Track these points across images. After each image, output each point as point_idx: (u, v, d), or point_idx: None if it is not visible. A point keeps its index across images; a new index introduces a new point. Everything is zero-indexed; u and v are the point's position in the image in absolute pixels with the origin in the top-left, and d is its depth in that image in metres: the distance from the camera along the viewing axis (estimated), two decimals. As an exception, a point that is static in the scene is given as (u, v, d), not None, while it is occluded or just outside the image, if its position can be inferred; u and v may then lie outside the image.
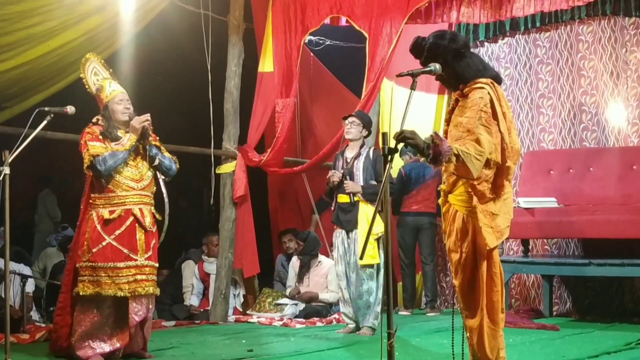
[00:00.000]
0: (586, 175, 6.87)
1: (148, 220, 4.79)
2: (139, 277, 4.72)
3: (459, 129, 3.48)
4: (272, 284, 7.85)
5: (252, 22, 7.50)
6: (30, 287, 6.49)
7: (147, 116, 4.81)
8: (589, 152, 7.08)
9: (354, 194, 5.93)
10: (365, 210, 5.87)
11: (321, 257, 7.36)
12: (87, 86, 4.95)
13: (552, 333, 5.82)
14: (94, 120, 4.86)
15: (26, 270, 6.55)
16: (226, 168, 7.12)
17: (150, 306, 4.86)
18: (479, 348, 3.52)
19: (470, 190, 3.47)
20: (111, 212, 4.71)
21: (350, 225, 5.94)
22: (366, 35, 6.93)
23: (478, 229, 3.46)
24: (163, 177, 4.96)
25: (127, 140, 4.75)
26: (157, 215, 4.91)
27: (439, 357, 4.83)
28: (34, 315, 6.55)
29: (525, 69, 7.59)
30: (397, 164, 7.57)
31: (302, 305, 7.14)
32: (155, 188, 4.93)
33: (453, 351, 3.58)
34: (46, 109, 4.50)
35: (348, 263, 5.98)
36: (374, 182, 5.93)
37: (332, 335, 5.95)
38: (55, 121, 4.53)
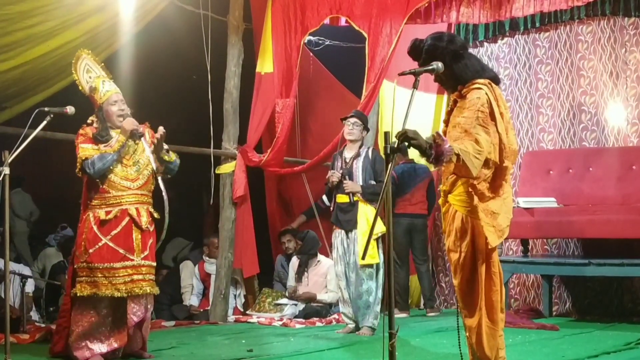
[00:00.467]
0: (586, 175, 6.87)
1: (144, 220, 4.78)
2: (135, 277, 4.72)
3: (457, 129, 3.49)
4: (272, 284, 7.85)
5: (251, 22, 7.50)
6: (30, 287, 6.49)
7: (162, 130, 4.76)
8: (588, 152, 7.08)
9: (354, 194, 5.93)
10: (365, 210, 5.87)
11: (320, 257, 7.36)
12: (80, 87, 4.91)
13: (551, 333, 5.82)
14: (89, 121, 4.85)
15: (26, 270, 6.55)
16: (226, 168, 7.12)
17: (149, 306, 4.86)
18: (478, 347, 3.53)
19: (470, 190, 3.48)
20: (107, 213, 4.71)
21: (349, 226, 5.94)
22: (366, 35, 6.93)
23: (478, 228, 3.48)
24: (161, 175, 4.93)
25: (116, 141, 4.74)
26: (155, 214, 4.90)
27: (439, 357, 4.84)
28: (34, 315, 6.55)
29: (525, 69, 7.60)
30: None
31: (301, 306, 7.14)
32: (153, 186, 4.92)
33: (460, 351, 3.59)
34: (46, 109, 4.50)
35: (347, 263, 5.99)
36: (373, 182, 5.94)
37: (332, 335, 5.95)
38: (55, 121, 4.53)
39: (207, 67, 6.95)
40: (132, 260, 4.72)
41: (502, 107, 3.51)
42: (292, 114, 7.30)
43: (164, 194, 4.79)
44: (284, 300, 7.30)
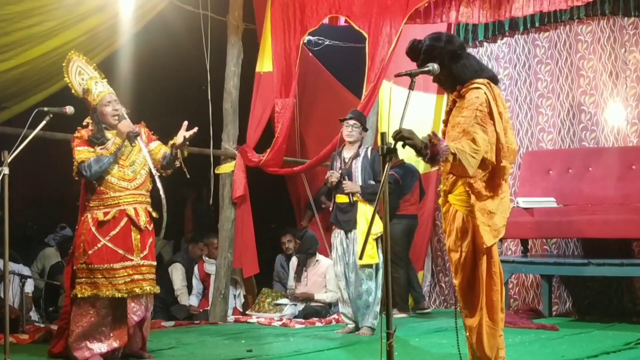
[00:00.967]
0: (585, 175, 6.87)
1: (143, 220, 4.78)
2: (135, 277, 4.72)
3: (456, 129, 3.49)
4: (272, 284, 7.85)
5: (251, 22, 7.49)
6: (29, 287, 6.49)
7: (194, 130, 4.84)
8: (588, 152, 7.08)
9: (353, 194, 5.93)
10: (364, 211, 5.87)
11: (319, 257, 7.36)
12: (73, 90, 4.90)
13: (551, 333, 5.82)
14: (84, 123, 4.84)
15: (25, 270, 6.55)
16: (225, 168, 7.11)
17: (150, 305, 4.87)
18: (478, 347, 3.53)
19: (468, 189, 3.49)
20: (105, 214, 4.71)
21: (349, 226, 5.94)
22: (365, 35, 6.93)
23: (477, 227, 3.47)
24: (158, 174, 4.91)
25: (112, 144, 4.74)
26: (153, 214, 4.90)
27: (438, 357, 4.84)
28: (33, 315, 6.55)
29: (525, 69, 7.60)
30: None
31: (301, 306, 7.14)
32: (151, 186, 4.92)
33: (459, 351, 3.59)
34: (45, 109, 4.49)
35: (347, 263, 5.98)
36: (372, 182, 5.93)
37: (332, 335, 5.95)
38: (54, 121, 4.52)
39: (207, 67, 6.95)
40: (132, 260, 4.72)
41: (500, 107, 3.51)
42: (292, 113, 7.30)
43: (161, 193, 4.78)
44: (283, 301, 7.30)
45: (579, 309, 7.00)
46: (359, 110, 6.44)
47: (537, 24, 7.42)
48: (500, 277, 3.54)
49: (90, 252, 4.67)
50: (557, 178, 7.00)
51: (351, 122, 6.02)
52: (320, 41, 8.34)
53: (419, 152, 3.18)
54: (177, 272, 7.56)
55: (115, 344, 4.74)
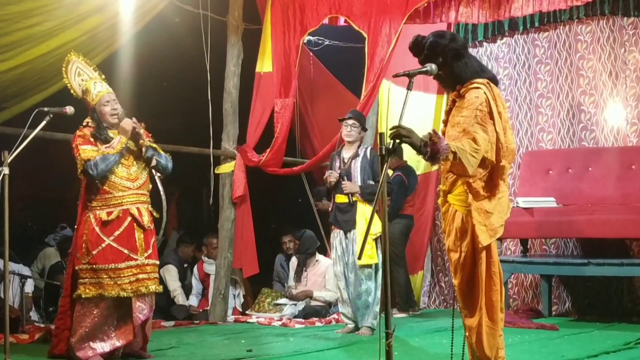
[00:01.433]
0: (585, 175, 6.87)
1: (146, 219, 4.79)
2: (140, 276, 4.73)
3: (456, 129, 3.50)
4: (272, 284, 7.85)
5: (251, 22, 7.49)
6: (29, 287, 6.49)
7: (134, 121, 4.78)
8: (587, 152, 7.08)
9: (352, 194, 5.93)
10: (364, 211, 5.87)
11: (319, 256, 7.37)
12: (72, 90, 4.90)
13: (551, 333, 5.83)
14: (85, 122, 4.84)
15: (25, 270, 6.55)
16: (225, 168, 7.12)
17: (153, 304, 4.87)
18: (478, 347, 3.53)
19: (466, 188, 3.49)
20: (109, 214, 4.71)
21: (348, 226, 5.94)
22: (365, 35, 6.93)
23: (474, 227, 3.48)
24: (159, 175, 4.95)
25: (118, 142, 4.74)
26: (154, 213, 4.91)
27: (438, 357, 4.84)
28: (33, 315, 6.55)
29: (524, 69, 7.59)
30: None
31: (301, 306, 7.14)
32: (151, 186, 4.94)
33: (452, 351, 3.59)
34: (45, 109, 4.49)
35: (346, 263, 5.99)
36: (371, 182, 5.93)
37: (331, 335, 5.95)
38: (54, 121, 4.53)
39: (207, 67, 6.95)
40: (136, 259, 4.73)
41: (500, 107, 3.51)
42: (292, 113, 7.30)
43: (162, 193, 4.79)
44: (283, 300, 7.30)
45: (578, 309, 7.00)
46: (359, 110, 6.44)
47: (536, 24, 7.42)
48: (499, 277, 3.54)
49: (94, 252, 4.67)
50: (556, 178, 7.00)
51: (350, 122, 6.02)
52: (320, 41, 8.35)
53: (418, 151, 3.18)
54: (170, 274, 7.53)
55: (118, 343, 4.74)
